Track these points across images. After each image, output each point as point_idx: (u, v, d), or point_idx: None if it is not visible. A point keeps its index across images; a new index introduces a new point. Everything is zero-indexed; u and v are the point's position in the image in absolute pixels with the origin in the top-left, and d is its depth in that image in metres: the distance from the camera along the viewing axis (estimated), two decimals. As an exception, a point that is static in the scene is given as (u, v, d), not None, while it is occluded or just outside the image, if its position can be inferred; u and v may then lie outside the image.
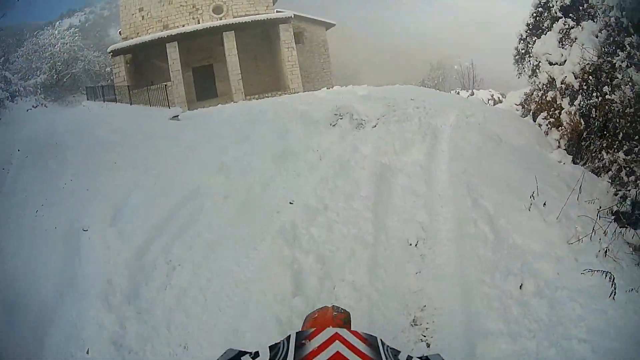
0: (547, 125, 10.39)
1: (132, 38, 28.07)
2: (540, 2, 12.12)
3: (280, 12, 28.43)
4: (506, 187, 7.54)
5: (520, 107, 13.76)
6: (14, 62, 34.07)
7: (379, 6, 62.25)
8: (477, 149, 9.36)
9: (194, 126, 15.17)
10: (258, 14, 27.80)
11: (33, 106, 28.64)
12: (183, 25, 28.07)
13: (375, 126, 11.57)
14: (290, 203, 8.28)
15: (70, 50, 34.31)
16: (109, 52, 27.71)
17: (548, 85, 10.98)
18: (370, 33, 58.37)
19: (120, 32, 30.36)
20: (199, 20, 28.37)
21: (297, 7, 29.72)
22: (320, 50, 31.23)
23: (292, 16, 27.53)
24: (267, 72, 29.84)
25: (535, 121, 11.11)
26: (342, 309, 3.51)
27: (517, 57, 13.40)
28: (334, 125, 11.99)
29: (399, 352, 1.94)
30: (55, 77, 33.27)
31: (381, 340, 1.96)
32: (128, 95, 22.56)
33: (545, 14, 11.94)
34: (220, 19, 28.11)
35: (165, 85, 24.18)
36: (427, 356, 2.04)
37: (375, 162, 9.08)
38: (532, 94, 12.78)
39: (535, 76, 12.16)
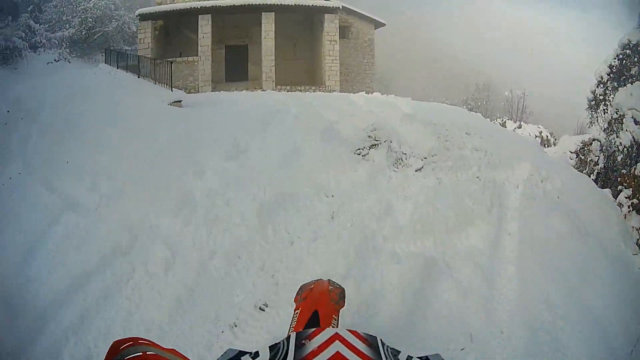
0: (629, 207, 8.42)
1: (167, 4, 25.38)
2: (629, 43, 10.37)
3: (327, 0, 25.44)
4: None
5: (575, 155, 12.62)
6: (44, 11, 32.44)
7: (431, 7, 58.73)
8: (559, 243, 6.91)
9: (187, 118, 12.69)
10: (303, -1, 24.91)
11: (55, 60, 27.61)
12: (222, -2, 25.27)
13: (421, 169, 9.07)
14: (261, 309, 5.50)
15: (105, 7, 31.62)
16: (136, 16, 25.11)
17: (631, 150, 9.40)
18: (418, 38, 54.92)
19: (156, -5, 27.61)
20: None
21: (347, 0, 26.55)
22: (365, 49, 28.14)
23: (340, 7, 24.61)
24: (304, 63, 27.24)
25: (615, 196, 9.04)
26: (337, 284, 3.64)
27: (592, 103, 11.75)
28: (364, 156, 9.44)
29: (399, 352, 1.79)
30: (84, 32, 30.74)
31: (381, 340, 1.78)
32: (150, 65, 20.19)
33: (635, 59, 10.42)
34: (262, -4, 25.11)
35: (189, 60, 23.02)
36: (427, 356, 1.84)
37: (417, 248, 6.46)
38: (592, 143, 11.81)
39: (614, 132, 10.39)
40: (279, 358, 1.67)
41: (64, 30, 30.91)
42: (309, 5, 24.14)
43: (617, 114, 10.01)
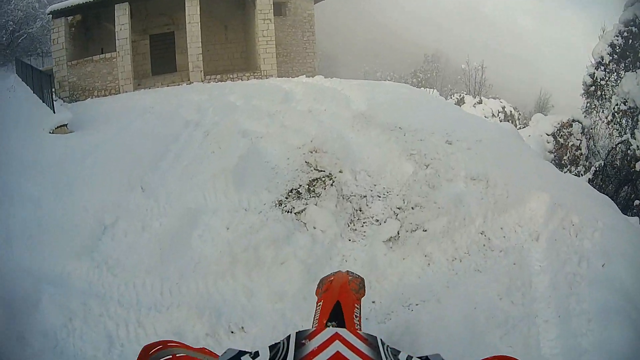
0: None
1: (85, -6, 21.69)
2: (635, 18, 8.77)
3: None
4: None
5: (552, 138, 11.84)
6: None
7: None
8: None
9: (59, 163, 9.64)
10: (234, -26, 21.39)
11: None
12: (146, -17, 21.73)
13: (397, 238, 6.26)
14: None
15: (27, 7, 28.09)
16: (48, 14, 20.93)
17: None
18: (359, 9, 51.63)
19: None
20: None
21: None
22: (304, 25, 24.58)
23: (273, -20, 20.99)
24: (237, 47, 23.85)
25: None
26: (356, 274, 3.66)
27: (590, 88, 10.27)
28: (298, 214, 6.82)
29: (399, 352, 1.83)
30: (5, 38, 27.66)
31: (381, 340, 1.82)
32: (66, 67, 18.70)
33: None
34: (190, -24, 21.54)
35: (108, 57, 19.90)
36: (427, 356, 1.90)
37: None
38: (571, 125, 11.34)
39: (619, 126, 9.08)
40: (279, 358, 1.65)
41: (-19, 36, 27.12)
42: (236, -21, 20.53)
43: (625, 104, 8.21)
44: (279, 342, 1.73)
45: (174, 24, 22.17)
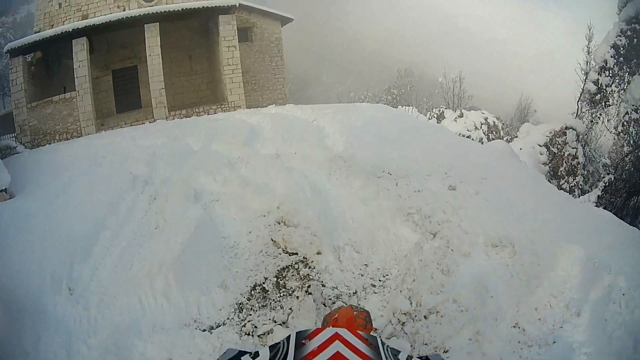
0: None
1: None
2: (637, 15, 8.43)
3: (223, -1, 20.50)
4: None
5: (545, 149, 11.10)
6: None
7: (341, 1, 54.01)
8: None
9: None
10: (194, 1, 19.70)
11: None
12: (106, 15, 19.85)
13: None
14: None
15: None
16: (6, 52, 19.24)
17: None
18: (330, 30, 50.23)
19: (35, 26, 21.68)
20: (124, 9, 19.95)
21: (250, -1, 21.89)
22: (272, 50, 23.03)
23: (237, 5, 19.46)
24: (203, 78, 22.08)
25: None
26: (361, 307, 3.49)
27: (594, 96, 9.57)
28: (262, 337, 5.24)
29: (399, 352, 1.81)
30: None
31: (381, 340, 1.82)
32: (26, 110, 17.46)
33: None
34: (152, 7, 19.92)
35: (67, 97, 18.20)
36: (427, 356, 1.90)
37: None
38: (565, 133, 10.70)
39: (628, 135, 8.39)
40: (279, 358, 1.64)
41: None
42: (198, 8, 18.97)
43: (636, 112, 7.68)
44: (279, 342, 1.68)
45: (136, 56, 20.41)
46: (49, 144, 17.22)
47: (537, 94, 34.35)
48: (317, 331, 1.72)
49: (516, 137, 17.88)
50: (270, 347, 1.70)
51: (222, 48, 19.24)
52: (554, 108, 28.72)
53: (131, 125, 17.75)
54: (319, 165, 7.73)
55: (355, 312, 3.21)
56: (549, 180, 10.43)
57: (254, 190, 7.19)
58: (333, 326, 2.96)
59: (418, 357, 1.73)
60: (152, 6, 19.43)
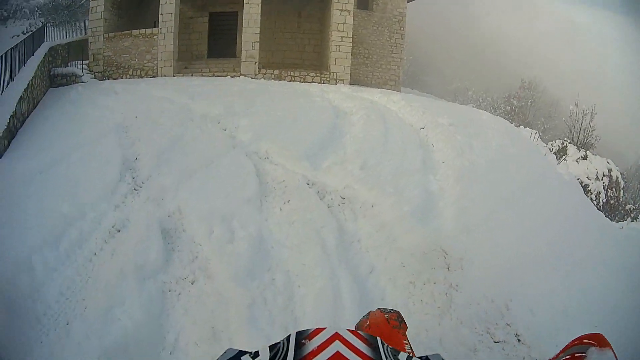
0: None
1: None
2: None
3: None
4: None
5: None
6: None
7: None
8: None
9: None
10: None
11: (22, 32, 20.47)
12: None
13: None
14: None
15: None
16: None
17: None
18: (460, 21, 44.86)
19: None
20: None
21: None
22: (393, 25, 19.02)
23: (358, -37, 16.01)
24: (311, 39, 18.81)
25: None
26: (390, 309, 3.13)
27: None
28: None
29: (399, 352, 1.58)
30: None
31: (381, 340, 1.59)
32: (102, 40, 15.96)
33: None
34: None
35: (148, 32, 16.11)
36: (427, 356, 1.67)
37: None
38: None
39: None
40: (279, 358, 1.48)
41: (39, -3, 25.05)
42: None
43: None
44: (279, 342, 1.51)
45: (238, 2, 17.25)
46: (121, 78, 15.57)
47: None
48: (317, 331, 1.50)
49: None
50: (270, 347, 1.48)
51: (334, 10, 15.94)
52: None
53: (214, 75, 15.70)
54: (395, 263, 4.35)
55: (386, 315, 2.89)
56: None
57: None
58: (367, 333, 2.04)
59: (418, 358, 1.54)
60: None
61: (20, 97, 9.83)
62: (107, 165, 7.51)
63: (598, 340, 1.57)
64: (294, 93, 11.67)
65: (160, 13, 15.70)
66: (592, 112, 22.85)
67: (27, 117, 10.23)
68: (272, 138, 7.79)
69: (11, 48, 10.99)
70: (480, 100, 32.00)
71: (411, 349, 2.66)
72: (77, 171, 7.35)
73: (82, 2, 23.55)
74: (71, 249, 5.99)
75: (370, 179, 6.35)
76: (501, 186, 7.32)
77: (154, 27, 16.03)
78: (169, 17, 15.62)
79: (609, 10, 45.77)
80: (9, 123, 8.75)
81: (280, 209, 6.17)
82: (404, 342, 2.70)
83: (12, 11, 22.98)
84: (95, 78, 15.41)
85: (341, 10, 15.78)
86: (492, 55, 42.08)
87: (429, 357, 1.63)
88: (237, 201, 6.20)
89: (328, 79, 15.73)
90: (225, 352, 1.56)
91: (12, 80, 10.43)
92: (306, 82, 15.45)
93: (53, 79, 13.80)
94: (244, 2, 15.76)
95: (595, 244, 7.16)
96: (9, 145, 8.57)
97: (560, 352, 1.59)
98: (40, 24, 16.03)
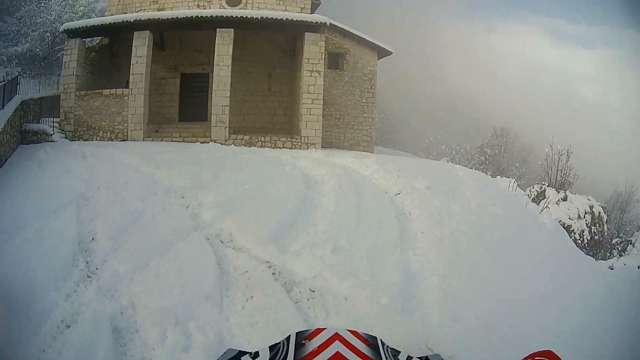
0: None
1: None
2: None
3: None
4: None
5: None
6: (6, 22, 25.77)
7: (440, 40, 49.27)
8: None
9: None
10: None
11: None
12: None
13: None
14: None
15: (69, 20, 23.20)
16: (62, 32, 17.14)
17: None
18: (426, 75, 45.25)
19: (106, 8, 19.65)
20: (204, 9, 17.43)
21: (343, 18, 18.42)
22: (364, 84, 18.79)
23: (327, 24, 15.73)
24: (281, 102, 18.54)
25: None
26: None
27: None
28: None
29: (399, 352, 1.68)
30: (41, 50, 24.72)
31: (381, 340, 1.68)
32: (73, 97, 15.59)
33: None
34: (236, 12, 17.37)
35: (118, 93, 15.72)
36: (427, 356, 1.74)
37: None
38: None
39: None
40: (279, 358, 1.57)
41: (20, 45, 24.56)
42: (278, 19, 15.33)
43: None
44: (279, 342, 1.60)
45: (210, 64, 16.96)
46: (92, 139, 15.34)
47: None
48: (317, 331, 1.59)
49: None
50: (270, 347, 1.57)
51: (305, 72, 15.61)
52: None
53: (184, 140, 15.26)
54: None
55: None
56: None
57: None
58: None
59: (418, 358, 1.57)
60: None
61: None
62: (62, 244, 6.79)
63: (549, 357, 1.61)
64: (264, 161, 11.18)
65: (131, 73, 15.43)
66: (567, 152, 22.91)
67: (-6, 175, 9.85)
68: (238, 216, 7.15)
69: (-18, 98, 10.71)
70: (454, 153, 32.68)
71: None
72: (32, 248, 6.64)
73: (58, 55, 23.30)
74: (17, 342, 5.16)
75: (342, 265, 5.71)
76: (486, 256, 6.77)
77: (126, 87, 15.69)
78: (140, 78, 15.35)
79: (577, 45, 47.54)
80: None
81: (243, 307, 5.45)
82: None
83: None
84: (66, 137, 15.04)
85: (312, 72, 15.45)
86: (462, 107, 42.59)
87: (429, 357, 1.65)
88: (195, 298, 5.48)
89: (300, 144, 15.35)
90: (225, 352, 1.57)
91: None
92: (277, 147, 15.13)
93: (24, 134, 13.51)
94: (215, 63, 15.46)
95: (587, 293, 6.97)
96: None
97: None
98: (17, 74, 15.51)
